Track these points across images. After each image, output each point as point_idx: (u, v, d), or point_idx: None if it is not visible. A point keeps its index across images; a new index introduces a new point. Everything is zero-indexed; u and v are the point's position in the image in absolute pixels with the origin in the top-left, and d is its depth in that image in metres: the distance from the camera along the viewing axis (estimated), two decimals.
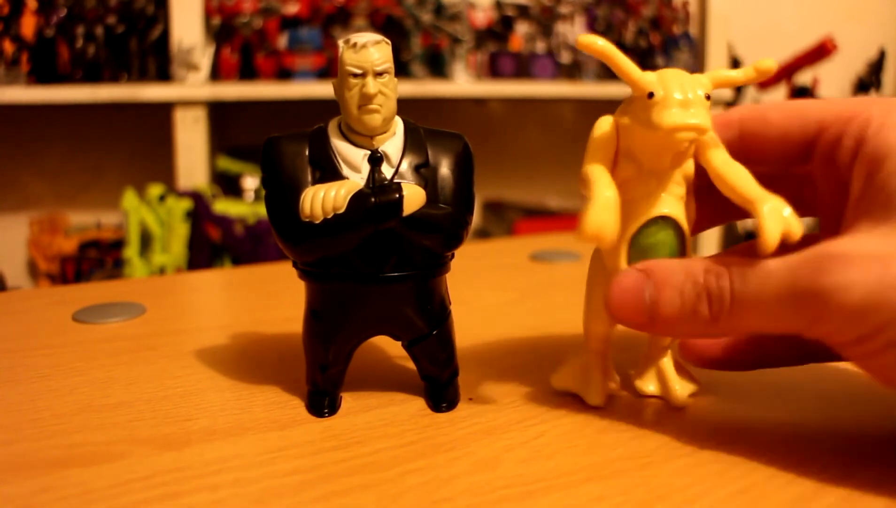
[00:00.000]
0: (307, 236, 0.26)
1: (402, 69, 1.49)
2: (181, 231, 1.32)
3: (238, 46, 1.46)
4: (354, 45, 0.26)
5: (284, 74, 1.46)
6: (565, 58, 1.67)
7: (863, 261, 0.21)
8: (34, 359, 0.35)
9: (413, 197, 0.26)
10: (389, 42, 0.27)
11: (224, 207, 1.34)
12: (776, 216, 0.23)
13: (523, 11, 1.67)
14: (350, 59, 0.26)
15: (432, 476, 0.23)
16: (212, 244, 1.33)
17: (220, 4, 1.46)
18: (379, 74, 0.26)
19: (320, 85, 1.43)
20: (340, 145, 0.27)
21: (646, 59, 1.71)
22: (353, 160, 0.27)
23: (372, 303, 0.28)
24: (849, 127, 0.25)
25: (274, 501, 0.22)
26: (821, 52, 1.81)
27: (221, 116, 1.55)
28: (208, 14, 1.46)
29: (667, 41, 1.72)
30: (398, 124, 0.28)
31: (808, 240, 0.24)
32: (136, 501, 0.22)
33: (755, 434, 0.26)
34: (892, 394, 0.30)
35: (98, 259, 1.46)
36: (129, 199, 1.33)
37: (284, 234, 0.27)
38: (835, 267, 0.21)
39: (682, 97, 0.25)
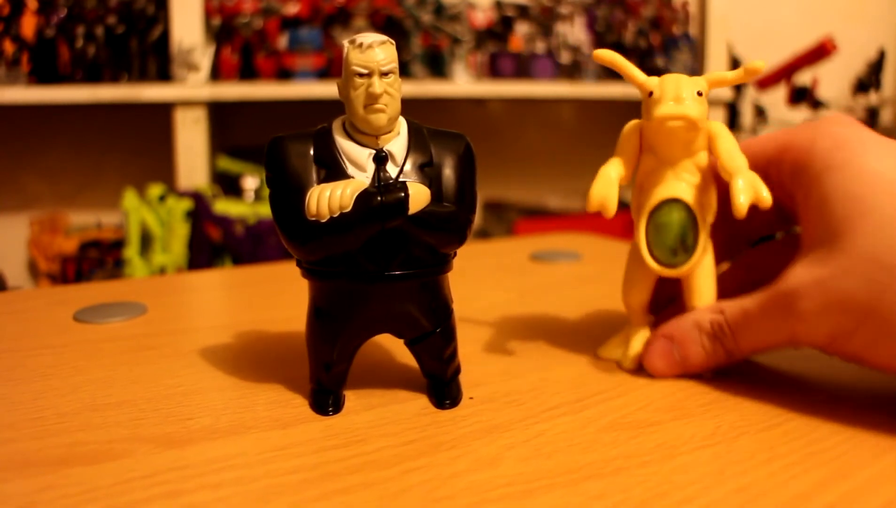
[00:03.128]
0: (313, 235, 0.26)
1: (402, 69, 1.47)
2: (181, 231, 1.32)
3: (238, 46, 1.46)
4: (360, 45, 0.26)
5: (284, 75, 1.46)
6: (565, 58, 1.67)
7: (809, 293, 0.27)
8: (36, 359, 0.35)
9: (418, 196, 0.26)
10: (394, 42, 0.27)
11: (224, 207, 1.34)
12: (747, 188, 0.29)
13: (523, 11, 1.67)
14: (356, 59, 0.26)
15: (433, 474, 0.23)
16: (212, 244, 1.33)
17: (221, 4, 1.46)
18: (384, 74, 0.26)
19: (320, 85, 1.43)
20: (345, 145, 0.27)
21: (646, 60, 1.71)
22: (359, 159, 0.27)
23: (376, 301, 0.28)
24: (785, 155, 0.31)
25: (276, 499, 0.22)
26: (821, 52, 1.81)
27: (221, 116, 1.55)
28: (208, 14, 1.46)
29: (667, 41, 1.72)
30: (402, 124, 0.28)
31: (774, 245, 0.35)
32: (139, 499, 0.22)
33: (754, 433, 0.26)
34: (891, 395, 0.30)
35: (98, 259, 1.46)
36: (130, 199, 1.33)
37: (290, 233, 0.27)
38: (792, 305, 0.28)
39: (674, 94, 0.30)
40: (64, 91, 1.37)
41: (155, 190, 1.34)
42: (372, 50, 0.26)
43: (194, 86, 1.41)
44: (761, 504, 0.22)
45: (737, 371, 0.32)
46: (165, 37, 1.44)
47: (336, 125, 0.28)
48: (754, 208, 0.29)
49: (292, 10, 1.48)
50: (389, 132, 0.27)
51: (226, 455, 0.25)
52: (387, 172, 0.27)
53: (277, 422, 0.27)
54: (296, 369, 0.32)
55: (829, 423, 0.27)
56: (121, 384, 0.31)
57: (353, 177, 0.27)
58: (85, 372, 0.33)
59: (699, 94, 0.30)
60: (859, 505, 0.22)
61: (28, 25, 1.41)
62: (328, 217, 0.26)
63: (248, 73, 1.46)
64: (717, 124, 0.32)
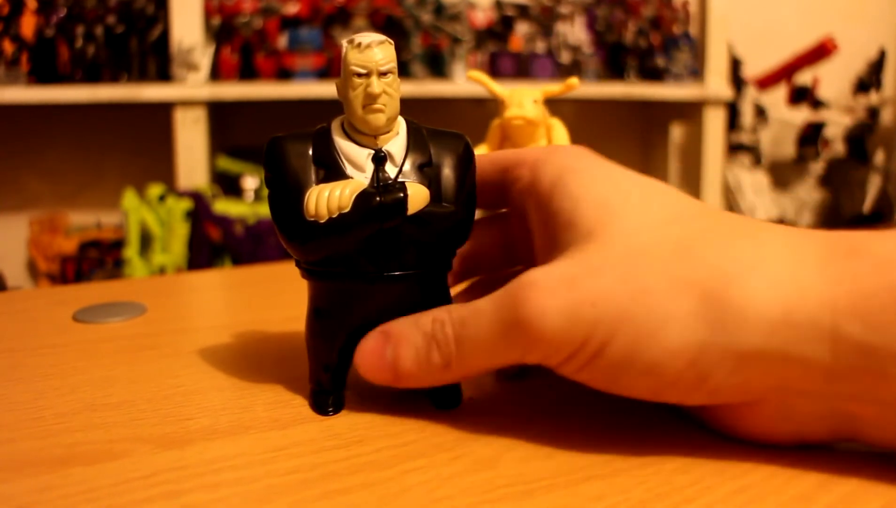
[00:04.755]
0: (312, 235, 0.26)
1: (402, 69, 1.48)
2: (181, 231, 1.32)
3: (238, 46, 1.46)
4: (359, 45, 0.26)
5: (284, 74, 1.46)
6: (565, 58, 1.67)
7: (552, 287, 0.23)
8: (35, 359, 0.35)
9: (417, 196, 0.26)
10: (393, 42, 0.27)
11: (224, 207, 1.34)
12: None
13: (523, 11, 1.67)
14: (354, 58, 0.26)
15: (433, 474, 0.23)
16: (212, 244, 1.33)
17: (220, 4, 1.46)
18: (383, 74, 0.26)
19: (320, 85, 1.43)
20: (344, 145, 0.27)
21: (646, 59, 1.71)
22: (357, 160, 0.27)
23: (375, 301, 0.28)
24: (521, 168, 0.28)
25: (275, 499, 0.22)
26: (821, 52, 1.81)
27: (221, 116, 1.55)
28: (208, 14, 1.46)
29: (667, 41, 1.72)
30: (401, 124, 0.28)
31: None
32: (138, 499, 0.22)
33: None
34: None
35: (98, 259, 1.46)
36: (129, 199, 1.33)
37: (289, 233, 0.27)
38: (529, 297, 0.23)
39: (518, 102, 0.41)
40: (64, 91, 1.37)
41: (155, 190, 1.35)
42: (371, 50, 0.26)
43: (194, 86, 1.41)
44: (762, 505, 0.22)
45: None
46: (165, 37, 1.44)
47: (335, 125, 0.28)
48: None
49: (292, 9, 1.48)
50: (388, 132, 0.27)
51: (225, 456, 0.25)
52: (386, 172, 0.27)
53: (277, 422, 0.27)
54: (295, 369, 0.32)
55: None
56: (120, 384, 0.31)
57: (351, 177, 0.27)
58: (84, 372, 0.33)
59: (535, 101, 0.42)
60: (860, 506, 0.22)
61: (28, 25, 1.41)
62: (327, 218, 0.26)
63: (247, 73, 1.46)
64: (555, 121, 0.43)
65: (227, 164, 1.46)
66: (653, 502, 0.22)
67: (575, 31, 1.69)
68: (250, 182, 1.44)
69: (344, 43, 0.27)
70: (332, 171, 0.27)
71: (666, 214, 0.25)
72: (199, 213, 1.32)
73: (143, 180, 1.43)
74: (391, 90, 0.26)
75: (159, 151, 1.51)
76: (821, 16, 2.04)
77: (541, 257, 0.27)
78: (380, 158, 0.27)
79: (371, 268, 0.27)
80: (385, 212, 0.26)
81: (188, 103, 1.39)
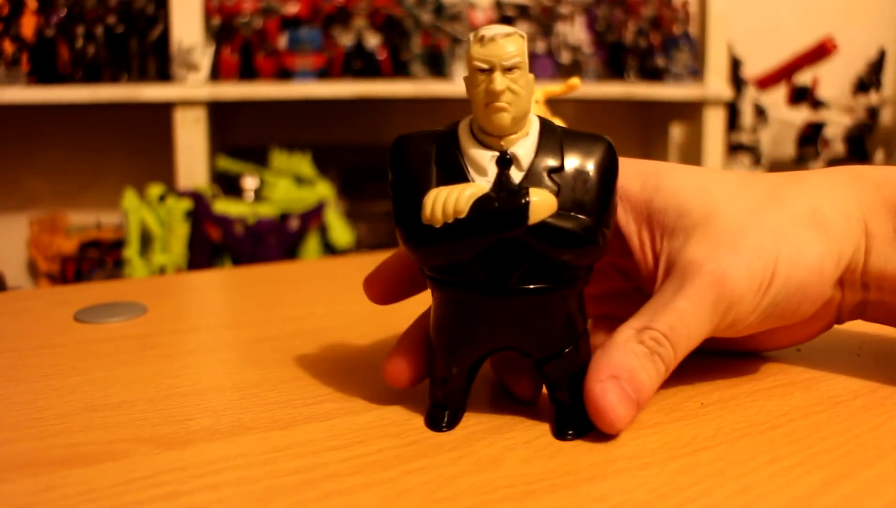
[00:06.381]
0: (428, 240, 0.24)
1: (401, 69, 1.49)
2: (181, 231, 1.32)
3: (238, 46, 1.46)
4: (482, 38, 0.24)
5: (284, 74, 1.46)
6: (565, 58, 1.67)
7: (728, 260, 0.28)
8: (36, 359, 0.35)
9: (541, 204, 0.24)
10: (524, 35, 0.24)
11: (224, 207, 1.34)
12: None
13: (523, 11, 1.67)
14: (477, 53, 0.24)
15: (434, 475, 0.23)
16: (212, 244, 1.33)
17: (220, 4, 1.46)
18: (508, 70, 0.24)
19: (320, 85, 1.43)
20: (468, 146, 0.25)
21: (646, 59, 1.71)
22: (480, 162, 0.25)
23: (495, 315, 0.26)
24: None
25: (276, 500, 0.22)
26: (821, 52, 1.81)
27: (221, 116, 1.55)
28: (208, 14, 1.46)
29: (667, 41, 1.72)
30: (533, 124, 0.26)
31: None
32: (138, 500, 0.22)
33: (756, 434, 0.26)
34: (893, 395, 0.30)
35: (98, 259, 1.46)
36: (129, 199, 1.33)
37: (405, 237, 0.25)
38: (725, 275, 0.27)
39: None
40: (64, 91, 1.37)
41: (155, 190, 1.34)
42: (494, 43, 0.24)
43: (194, 86, 1.41)
44: (763, 506, 0.22)
45: (738, 373, 0.32)
46: (165, 37, 1.44)
47: (463, 125, 0.26)
48: None
49: (292, 9, 1.48)
50: (515, 133, 0.25)
51: (226, 456, 0.25)
52: (510, 176, 0.25)
53: (277, 423, 0.27)
54: (295, 369, 0.32)
55: (831, 424, 0.27)
56: (121, 384, 0.31)
57: (473, 181, 0.25)
58: (85, 372, 0.33)
59: (536, 101, 0.41)
60: (861, 506, 0.22)
61: (28, 25, 1.41)
62: (442, 222, 0.24)
63: (247, 73, 1.46)
64: (557, 122, 0.43)
65: (227, 164, 1.46)
66: (654, 502, 0.22)
67: (575, 31, 1.69)
68: (250, 182, 1.44)
69: (470, 36, 0.24)
70: (454, 173, 0.25)
71: (743, 179, 0.31)
72: (199, 213, 1.32)
73: (143, 180, 1.43)
74: (517, 87, 0.24)
75: (159, 151, 1.51)
76: (821, 16, 2.04)
77: (640, 251, 0.30)
78: (504, 161, 0.25)
79: (489, 279, 0.25)
80: (505, 220, 0.24)
81: (188, 103, 1.39)
